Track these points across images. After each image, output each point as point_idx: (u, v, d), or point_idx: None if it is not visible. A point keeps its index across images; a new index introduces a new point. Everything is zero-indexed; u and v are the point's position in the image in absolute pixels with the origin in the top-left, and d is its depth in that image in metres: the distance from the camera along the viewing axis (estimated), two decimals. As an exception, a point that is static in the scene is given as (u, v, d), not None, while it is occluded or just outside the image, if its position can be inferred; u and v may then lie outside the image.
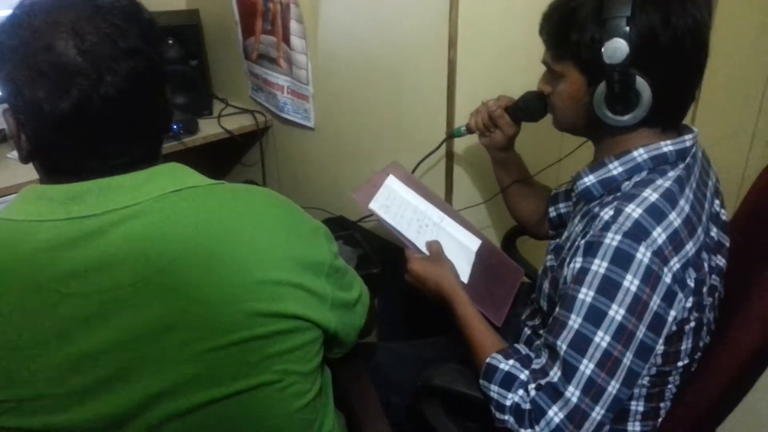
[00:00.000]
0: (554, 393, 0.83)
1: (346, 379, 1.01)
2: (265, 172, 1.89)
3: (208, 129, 1.72)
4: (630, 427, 0.96)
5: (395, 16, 1.33)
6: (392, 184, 1.24)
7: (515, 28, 1.25)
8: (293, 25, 1.53)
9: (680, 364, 0.92)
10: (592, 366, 0.82)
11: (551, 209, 1.24)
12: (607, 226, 0.84)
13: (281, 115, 1.72)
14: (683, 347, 0.90)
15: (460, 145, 1.39)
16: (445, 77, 1.28)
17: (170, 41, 1.70)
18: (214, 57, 1.93)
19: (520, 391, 0.87)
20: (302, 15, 1.50)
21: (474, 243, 1.27)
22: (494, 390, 0.89)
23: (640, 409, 0.95)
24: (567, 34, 0.88)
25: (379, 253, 1.42)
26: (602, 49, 0.84)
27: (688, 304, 0.85)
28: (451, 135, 1.31)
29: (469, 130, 1.24)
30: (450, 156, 1.40)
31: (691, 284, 0.85)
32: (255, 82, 1.80)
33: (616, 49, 0.83)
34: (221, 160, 2.05)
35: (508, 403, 0.87)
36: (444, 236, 1.21)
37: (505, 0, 1.24)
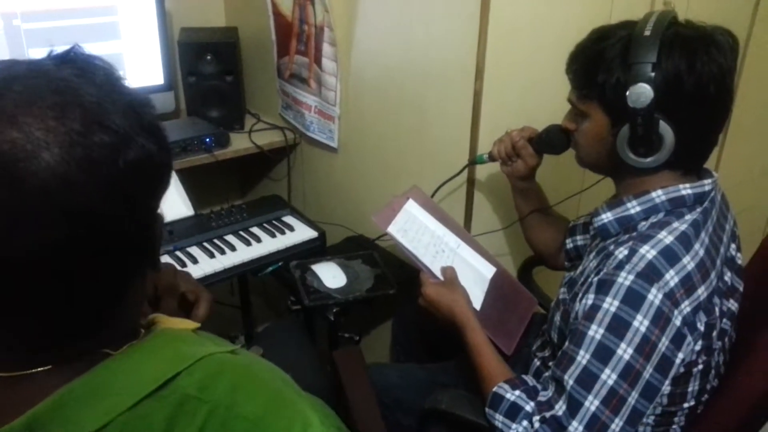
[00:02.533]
0: (558, 427, 0.84)
1: (352, 396, 1.03)
2: (290, 188, 1.94)
3: (239, 143, 1.77)
4: (633, 465, 0.96)
5: (425, 45, 1.37)
6: (411, 208, 1.27)
7: (542, 63, 1.27)
8: (326, 48, 1.58)
9: (686, 405, 0.92)
10: (597, 402, 0.83)
11: (569, 241, 1.26)
12: (620, 266, 0.85)
13: (307, 133, 1.77)
14: (690, 389, 0.90)
15: (482, 171, 1.41)
16: (470, 106, 1.31)
17: (208, 57, 1.76)
18: (249, 73, 1.99)
19: (525, 422, 0.88)
20: (335, 38, 1.55)
21: (489, 270, 1.28)
22: (499, 419, 0.91)
23: (645, 448, 0.95)
24: (593, 75, 0.90)
25: (396, 274, 1.44)
26: (627, 93, 0.86)
27: (697, 347, 0.86)
28: (473, 161, 1.33)
29: (492, 158, 1.26)
30: (471, 182, 1.42)
31: (701, 328, 0.85)
32: (285, 100, 1.85)
33: (641, 93, 0.85)
34: (250, 173, 2.10)
35: (512, 433, 0.88)
36: (459, 262, 1.23)
37: (532, 35, 1.27)
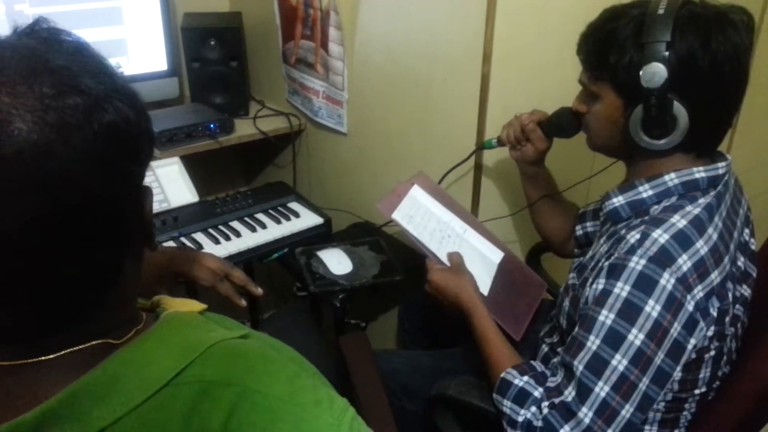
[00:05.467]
0: (567, 413, 0.83)
1: (358, 382, 1.02)
2: (296, 174, 1.92)
3: (244, 129, 1.75)
4: (643, 452, 0.95)
5: (431, 28, 1.35)
6: (416, 194, 1.26)
7: (550, 45, 1.25)
8: (332, 32, 1.56)
9: (697, 391, 0.91)
10: (607, 389, 0.82)
11: (578, 228, 1.24)
12: (632, 250, 0.84)
13: (315, 119, 1.75)
14: (701, 375, 0.89)
15: (490, 157, 1.39)
16: (478, 90, 1.29)
17: (212, 42, 1.74)
18: (254, 59, 1.97)
19: (533, 408, 0.87)
20: (341, 22, 1.52)
21: (497, 255, 1.27)
22: (507, 405, 0.90)
23: (655, 434, 0.94)
24: (605, 55, 0.88)
25: (402, 260, 1.43)
26: (640, 73, 0.84)
27: (709, 333, 0.85)
28: (481, 147, 1.31)
29: (500, 143, 1.25)
30: (479, 167, 1.40)
31: (714, 313, 0.84)
32: (292, 86, 1.83)
33: (655, 73, 0.83)
34: (254, 160, 2.09)
35: (520, 419, 0.87)
36: (466, 247, 1.21)
37: (541, 16, 1.25)
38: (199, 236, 1.47)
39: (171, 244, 1.44)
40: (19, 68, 0.43)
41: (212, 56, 1.75)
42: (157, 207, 1.50)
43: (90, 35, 1.62)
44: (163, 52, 1.76)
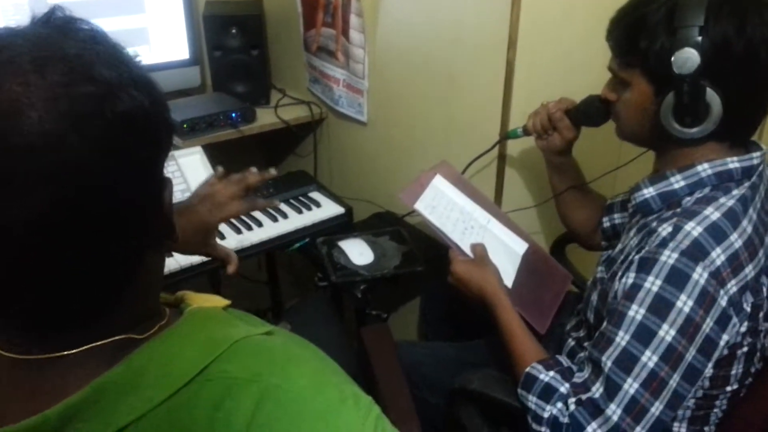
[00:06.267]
0: (595, 409, 0.82)
1: (380, 374, 1.01)
2: (317, 164, 1.92)
3: (265, 118, 1.75)
4: (672, 450, 0.93)
5: (454, 14, 1.32)
6: (439, 183, 1.24)
7: (577, 30, 1.22)
8: (353, 19, 1.54)
9: (729, 388, 0.88)
10: (636, 385, 0.80)
11: (605, 219, 1.21)
12: (664, 243, 0.81)
13: (336, 108, 1.74)
14: (733, 372, 0.87)
15: (514, 147, 1.36)
16: (503, 78, 1.26)
17: (234, 30, 1.74)
18: (275, 47, 1.96)
19: (559, 404, 0.85)
20: (362, 9, 1.50)
21: (521, 246, 1.25)
22: (532, 400, 0.88)
23: (683, 431, 0.92)
24: (635, 41, 0.85)
25: (424, 251, 1.42)
26: (672, 59, 0.81)
27: (743, 329, 0.82)
28: (506, 136, 1.29)
29: (526, 132, 1.22)
30: (502, 157, 1.38)
31: (748, 309, 0.81)
32: (313, 74, 1.82)
33: (687, 59, 0.80)
34: (276, 148, 2.08)
35: (546, 415, 0.86)
36: (490, 238, 1.19)
37: (568, 1, 1.21)
38: (222, 226, 1.47)
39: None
40: (32, 57, 0.42)
41: (234, 44, 1.74)
42: (179, 196, 1.50)
43: (112, 24, 1.63)
44: (184, 40, 1.75)
